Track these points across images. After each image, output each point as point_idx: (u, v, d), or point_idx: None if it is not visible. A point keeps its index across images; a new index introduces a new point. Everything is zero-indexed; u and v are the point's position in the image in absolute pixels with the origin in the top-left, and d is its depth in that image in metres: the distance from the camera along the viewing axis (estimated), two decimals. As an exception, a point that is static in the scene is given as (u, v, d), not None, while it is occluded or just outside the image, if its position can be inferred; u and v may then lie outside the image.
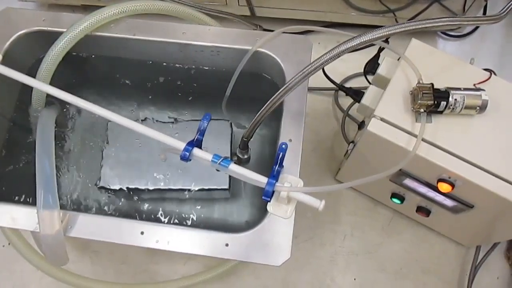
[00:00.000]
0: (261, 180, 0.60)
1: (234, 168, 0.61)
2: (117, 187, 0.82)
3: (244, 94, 0.81)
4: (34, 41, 0.78)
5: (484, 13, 1.21)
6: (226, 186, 0.83)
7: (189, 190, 0.84)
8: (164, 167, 0.83)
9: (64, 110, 0.90)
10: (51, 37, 0.74)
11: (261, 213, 0.87)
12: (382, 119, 0.72)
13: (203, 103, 0.89)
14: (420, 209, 0.90)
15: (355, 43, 0.60)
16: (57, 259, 0.64)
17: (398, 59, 0.77)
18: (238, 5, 1.10)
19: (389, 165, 0.64)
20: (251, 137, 0.70)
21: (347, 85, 1.13)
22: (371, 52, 0.92)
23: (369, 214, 1.03)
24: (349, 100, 1.10)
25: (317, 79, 0.94)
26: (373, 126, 0.72)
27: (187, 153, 0.62)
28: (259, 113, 0.69)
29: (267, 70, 0.79)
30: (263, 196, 0.60)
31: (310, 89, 1.13)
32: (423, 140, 0.69)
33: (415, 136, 0.70)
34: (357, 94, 0.82)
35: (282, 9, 1.11)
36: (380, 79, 0.79)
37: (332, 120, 1.12)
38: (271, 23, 1.15)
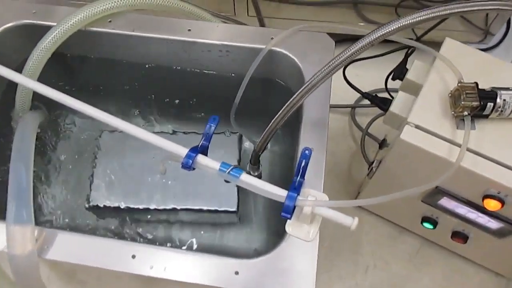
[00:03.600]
0: (280, 193, 0.50)
1: (247, 179, 0.51)
2: (107, 205, 0.71)
3: (255, 103, 0.72)
4: (22, 36, 0.70)
5: (508, 27, 1.15)
6: (234, 208, 0.72)
7: (190, 211, 0.73)
8: (163, 184, 0.73)
9: (53, 118, 0.80)
10: (42, 32, 0.66)
11: (274, 239, 0.76)
12: (417, 126, 0.62)
13: (207, 113, 0.80)
14: (456, 235, 0.79)
15: (391, 29, 0.51)
16: (29, 286, 0.52)
17: (433, 62, 0.68)
18: (248, 15, 1.03)
19: (423, 181, 0.54)
20: (264, 149, 0.61)
21: (363, 103, 1.04)
22: (383, 67, 0.84)
23: (393, 242, 0.92)
24: (367, 117, 1.02)
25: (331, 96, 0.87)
26: (407, 134, 0.62)
27: (190, 160, 0.52)
28: (275, 118, 0.60)
29: (282, 75, 0.70)
30: (283, 213, 0.49)
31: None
32: (467, 149, 0.59)
33: (457, 144, 0.60)
34: (384, 103, 0.73)
35: (293, 19, 1.04)
36: (409, 85, 0.71)
37: (349, 139, 1.03)
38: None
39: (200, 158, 0.53)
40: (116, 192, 0.73)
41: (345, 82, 0.87)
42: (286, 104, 0.59)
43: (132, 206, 0.72)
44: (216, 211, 0.72)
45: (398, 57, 0.80)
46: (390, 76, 0.83)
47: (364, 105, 1.02)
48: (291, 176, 0.71)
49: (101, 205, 0.72)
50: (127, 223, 0.75)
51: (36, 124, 0.66)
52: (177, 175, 0.74)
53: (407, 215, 0.86)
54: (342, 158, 1.00)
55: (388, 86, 0.84)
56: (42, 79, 0.66)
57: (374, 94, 0.75)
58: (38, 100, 0.73)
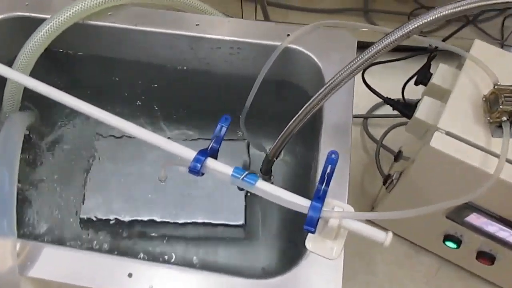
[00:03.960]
0: (302, 203, 0.44)
1: (264, 186, 0.45)
2: (101, 218, 0.64)
3: (266, 108, 0.66)
4: (14, 29, 0.64)
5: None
6: (241, 222, 0.65)
7: (193, 225, 0.66)
8: (163, 195, 0.66)
9: (44, 120, 0.73)
10: (35, 25, 0.60)
11: (283, 258, 0.69)
12: (448, 133, 0.56)
13: (214, 117, 0.73)
14: (482, 255, 0.72)
15: (422, 22, 0.47)
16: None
17: (462, 65, 0.62)
18: (255, 19, 0.98)
19: (451, 195, 0.48)
20: (278, 156, 0.55)
21: (376, 113, 0.99)
22: (396, 74, 0.79)
23: (410, 263, 0.85)
24: (381, 128, 0.96)
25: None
26: (437, 141, 0.56)
27: (198, 165, 0.45)
28: (292, 121, 0.54)
29: (297, 76, 0.64)
30: (306, 226, 0.43)
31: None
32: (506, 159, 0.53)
33: (493, 154, 0.54)
34: (407, 109, 0.67)
35: (303, 24, 0.99)
36: (435, 90, 0.65)
37: (360, 152, 0.97)
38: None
39: (210, 162, 0.46)
40: (111, 203, 0.66)
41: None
42: (306, 105, 0.53)
43: (128, 218, 0.65)
44: (221, 225, 0.65)
45: (410, 64, 0.76)
46: (409, 83, 0.78)
47: (377, 116, 0.97)
48: (302, 188, 0.65)
49: (94, 217, 0.65)
50: (122, 237, 0.67)
51: (24, 125, 0.59)
52: (179, 186, 0.67)
53: (427, 233, 0.80)
54: (354, 171, 0.94)
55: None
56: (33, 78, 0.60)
57: (396, 99, 0.69)
58: (29, 100, 0.67)
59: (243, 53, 0.62)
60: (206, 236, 0.69)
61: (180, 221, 0.66)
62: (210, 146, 0.48)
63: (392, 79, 0.84)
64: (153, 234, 0.68)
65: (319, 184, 0.45)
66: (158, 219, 0.65)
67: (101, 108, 0.75)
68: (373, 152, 0.94)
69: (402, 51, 1.03)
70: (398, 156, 0.83)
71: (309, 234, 0.47)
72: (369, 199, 0.89)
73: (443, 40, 0.87)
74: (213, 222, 0.66)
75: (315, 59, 0.59)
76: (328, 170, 0.44)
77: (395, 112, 0.99)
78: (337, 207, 0.44)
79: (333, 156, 0.44)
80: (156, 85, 0.71)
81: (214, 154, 0.48)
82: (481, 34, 1.02)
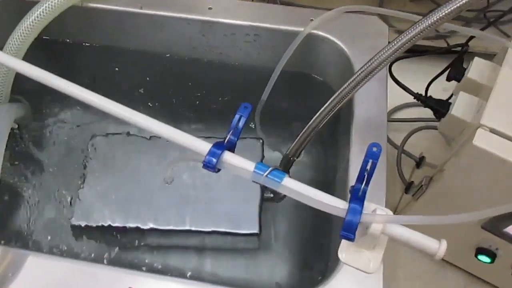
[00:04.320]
0: (338, 204, 0.37)
1: (292, 184, 0.38)
2: (97, 224, 0.57)
3: (284, 104, 0.60)
4: (5, 12, 0.58)
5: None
6: (256, 231, 0.58)
7: (200, 234, 0.59)
8: (167, 200, 0.59)
9: (36, 113, 0.66)
10: (28, 7, 0.54)
11: (298, 272, 0.62)
12: (492, 131, 0.50)
13: (225, 114, 0.66)
14: (519, 272, 0.65)
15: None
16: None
17: (503, 56, 0.56)
18: (275, 3, 0.92)
19: (495, 199, 0.42)
20: (299, 155, 0.48)
21: (396, 116, 0.92)
22: (416, 73, 0.73)
23: (435, 279, 0.78)
24: (401, 133, 0.90)
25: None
26: (481, 139, 0.50)
27: (214, 159, 0.39)
28: (317, 115, 0.48)
29: (321, 67, 0.58)
30: (343, 232, 0.36)
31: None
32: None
33: (546, 154, 0.48)
34: (441, 105, 0.61)
35: (327, 9, 0.94)
36: (470, 85, 0.59)
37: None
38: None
39: (228, 156, 0.39)
40: (107, 209, 0.59)
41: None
42: (334, 97, 0.47)
43: (128, 225, 0.58)
44: (232, 234, 0.58)
45: (428, 64, 0.70)
46: (434, 81, 0.72)
47: (398, 120, 0.91)
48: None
49: (88, 224, 0.58)
50: (121, 246, 0.60)
51: (12, 118, 0.53)
52: (184, 190, 0.60)
53: (456, 246, 0.72)
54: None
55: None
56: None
57: (429, 96, 0.63)
58: (19, 93, 0.61)
59: (260, 41, 0.56)
60: (215, 247, 0.62)
61: (186, 229, 0.58)
62: (227, 138, 0.41)
63: (411, 79, 0.78)
64: (155, 243, 0.61)
65: (357, 183, 0.38)
66: (161, 227, 0.58)
67: (87, 105, 0.69)
68: (391, 158, 0.87)
69: (421, 52, 0.97)
70: (420, 162, 0.77)
71: (343, 243, 0.40)
72: (389, 207, 0.82)
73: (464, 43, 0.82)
74: (222, 230, 0.58)
75: (343, 46, 0.52)
76: (369, 166, 0.38)
77: (416, 116, 0.93)
78: (379, 210, 0.37)
79: (374, 149, 0.38)
80: (161, 78, 0.65)
81: (231, 148, 0.41)
82: (503, 37, 0.97)
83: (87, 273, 0.40)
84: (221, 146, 0.40)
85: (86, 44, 0.62)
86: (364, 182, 0.38)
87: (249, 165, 0.39)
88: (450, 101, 0.62)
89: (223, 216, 0.58)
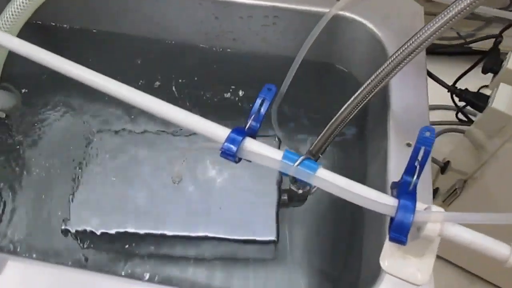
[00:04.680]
0: (386, 200, 0.31)
1: (329, 176, 0.31)
2: (94, 230, 0.50)
3: (302, 99, 0.54)
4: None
5: None
6: (273, 237, 0.51)
7: (210, 241, 0.52)
8: (173, 203, 0.52)
9: (28, 104, 0.60)
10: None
11: (324, 286, 0.55)
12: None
13: (238, 109, 0.60)
14: None
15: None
16: None
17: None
18: None
19: None
20: (323, 151, 0.42)
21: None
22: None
23: (465, 295, 0.71)
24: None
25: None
26: (535, 133, 0.43)
27: (233, 147, 0.32)
28: (346, 105, 0.43)
29: (346, 56, 0.52)
30: (393, 234, 0.30)
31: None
32: None
33: None
34: (479, 99, 0.55)
35: None
36: (510, 77, 0.53)
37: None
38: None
39: (251, 143, 0.33)
40: (107, 211, 0.52)
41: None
42: (367, 83, 0.41)
43: (130, 230, 0.51)
44: (247, 242, 0.51)
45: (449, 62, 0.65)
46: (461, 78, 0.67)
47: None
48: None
49: (87, 229, 0.51)
50: (121, 254, 0.53)
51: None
52: (194, 191, 0.53)
53: (489, 258, 0.66)
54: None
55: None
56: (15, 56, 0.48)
57: (464, 88, 0.57)
58: (8, 80, 0.54)
59: (280, 24, 0.50)
60: (225, 256, 0.55)
61: (193, 236, 0.52)
62: (248, 124, 0.35)
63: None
64: (159, 251, 0.54)
65: (407, 176, 0.32)
66: (166, 232, 0.51)
67: (91, 98, 0.63)
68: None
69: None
70: (445, 167, 0.71)
71: (385, 249, 0.34)
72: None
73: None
74: (235, 237, 0.52)
75: (373, 28, 0.47)
76: (420, 155, 0.31)
77: (440, 119, 0.87)
78: (434, 207, 0.31)
79: (427, 134, 0.31)
80: (170, 67, 0.59)
81: (253, 134, 0.35)
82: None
83: (84, 282, 0.33)
84: (241, 132, 0.34)
85: (90, 30, 0.56)
86: (416, 175, 0.31)
87: (277, 154, 0.33)
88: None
89: (235, 221, 0.52)
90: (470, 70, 0.66)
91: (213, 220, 0.51)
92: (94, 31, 0.56)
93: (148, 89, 0.61)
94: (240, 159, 0.34)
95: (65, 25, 0.57)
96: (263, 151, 0.33)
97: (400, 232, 0.29)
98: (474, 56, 0.67)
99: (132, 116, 0.61)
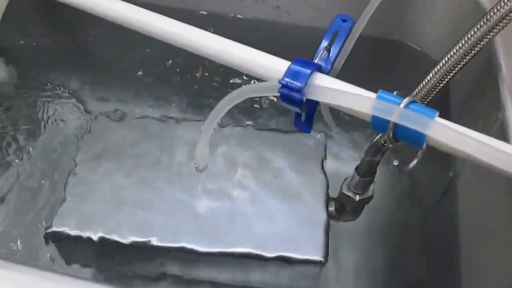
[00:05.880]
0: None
1: (453, 125, 0.20)
2: (83, 235, 0.39)
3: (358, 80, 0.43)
4: None
5: None
6: (319, 257, 0.39)
7: (235, 257, 0.39)
8: (191, 208, 0.40)
9: (22, 79, 0.50)
10: None
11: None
12: None
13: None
14: None
15: None
16: None
17: None
18: None
19: None
20: (430, 100, 0.31)
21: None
22: None
23: None
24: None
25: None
26: None
27: (300, 84, 0.21)
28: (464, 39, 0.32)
29: (418, 30, 0.42)
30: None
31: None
32: None
33: None
34: None
35: None
36: None
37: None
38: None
39: (324, 78, 0.22)
40: (102, 214, 0.40)
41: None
42: (464, 39, 0.31)
43: (134, 239, 0.39)
44: (285, 260, 0.38)
45: None
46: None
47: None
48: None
49: (72, 234, 0.39)
50: (121, 266, 0.41)
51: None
52: (215, 199, 0.42)
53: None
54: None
55: None
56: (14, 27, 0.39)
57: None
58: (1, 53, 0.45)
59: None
60: (248, 282, 0.42)
61: (214, 252, 0.39)
62: (316, 60, 0.24)
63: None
64: (171, 271, 0.41)
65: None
66: (186, 245, 0.39)
67: (104, 81, 0.53)
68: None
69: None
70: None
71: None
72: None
73: None
74: (271, 255, 0.39)
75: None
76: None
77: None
78: None
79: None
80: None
81: (323, 70, 0.24)
82: None
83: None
84: (310, 64, 0.23)
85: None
86: None
87: (364, 92, 0.21)
88: None
89: (271, 236, 0.39)
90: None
91: (240, 234, 0.39)
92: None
93: (157, 71, 0.53)
94: (306, 106, 0.22)
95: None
96: (343, 86, 0.22)
97: None
98: None
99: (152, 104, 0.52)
